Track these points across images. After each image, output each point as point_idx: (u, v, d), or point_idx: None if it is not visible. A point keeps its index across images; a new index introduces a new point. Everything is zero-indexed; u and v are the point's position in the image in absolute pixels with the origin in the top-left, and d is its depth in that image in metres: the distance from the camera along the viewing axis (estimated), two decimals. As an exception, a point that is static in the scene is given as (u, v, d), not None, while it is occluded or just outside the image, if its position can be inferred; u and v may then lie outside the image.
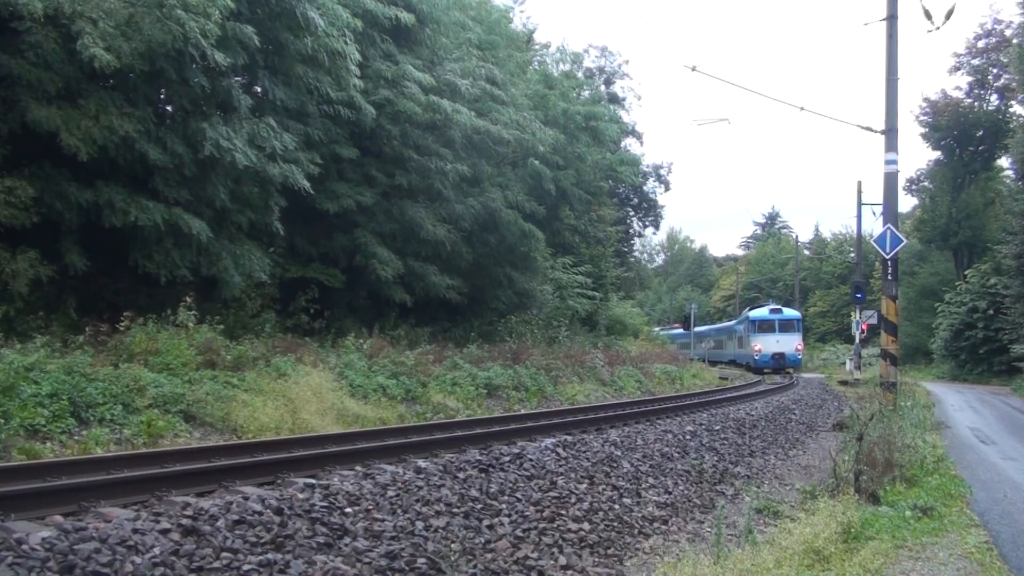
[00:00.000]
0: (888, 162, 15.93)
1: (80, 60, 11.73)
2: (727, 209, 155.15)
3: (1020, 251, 32.86)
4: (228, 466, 6.73)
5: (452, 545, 5.30)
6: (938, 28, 16.83)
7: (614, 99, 48.70)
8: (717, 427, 11.54)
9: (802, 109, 20.82)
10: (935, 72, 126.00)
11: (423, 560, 5.03)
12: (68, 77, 12.47)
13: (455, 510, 5.80)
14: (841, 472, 8.59)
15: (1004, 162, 48.21)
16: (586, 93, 36.53)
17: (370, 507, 5.45)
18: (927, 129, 50.34)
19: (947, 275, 51.18)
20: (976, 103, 49.72)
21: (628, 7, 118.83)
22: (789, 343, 41.61)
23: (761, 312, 44.03)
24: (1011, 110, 47.91)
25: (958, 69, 49.17)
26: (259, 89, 16.48)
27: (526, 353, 20.96)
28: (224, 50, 13.64)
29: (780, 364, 40.38)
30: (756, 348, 41.38)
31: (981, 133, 48.87)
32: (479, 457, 7.01)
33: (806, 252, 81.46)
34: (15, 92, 12.07)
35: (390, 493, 5.74)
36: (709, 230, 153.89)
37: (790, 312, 44.05)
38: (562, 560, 5.71)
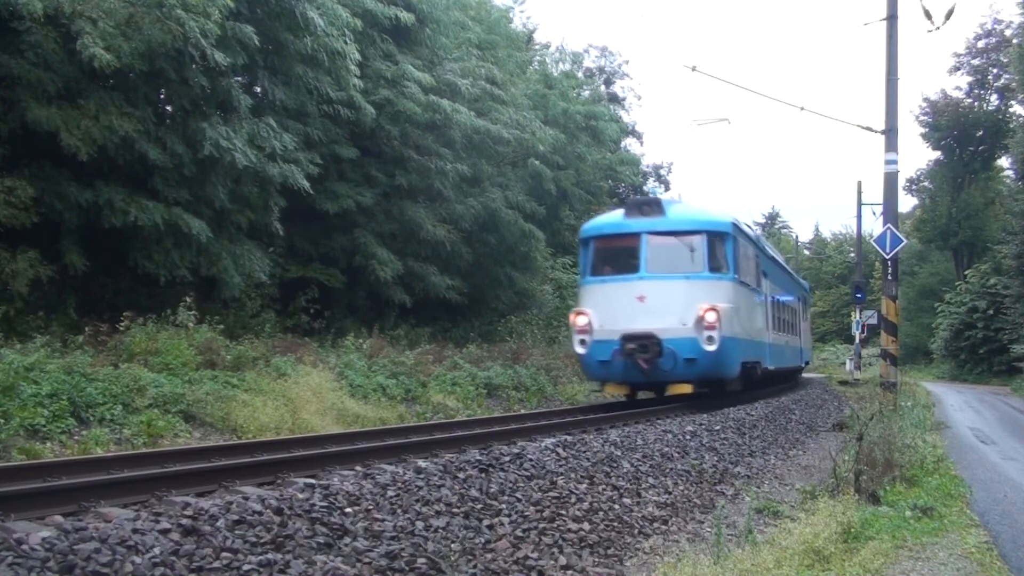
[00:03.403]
0: (888, 162, 15.93)
1: (80, 60, 11.73)
2: (727, 209, 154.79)
3: (1020, 251, 32.87)
4: (228, 466, 6.72)
5: (452, 545, 5.30)
6: (938, 28, 16.88)
7: (614, 99, 48.65)
8: (717, 427, 11.54)
9: (802, 109, 20.82)
10: (935, 72, 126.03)
11: (423, 560, 5.03)
12: (68, 77, 12.47)
13: (455, 510, 5.80)
14: (841, 472, 8.59)
15: (1004, 162, 48.29)
16: (586, 93, 36.53)
17: (370, 507, 5.45)
18: (927, 129, 50.37)
19: (947, 275, 51.24)
20: (976, 103, 49.75)
21: (628, 7, 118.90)
22: (678, 305, 13.33)
23: (607, 219, 15.37)
24: (1011, 110, 47.99)
25: (958, 69, 49.23)
26: (259, 89, 16.49)
27: (526, 353, 20.95)
28: (224, 50, 13.64)
29: (648, 373, 13.29)
30: (579, 323, 14.01)
31: (981, 133, 48.90)
32: (479, 457, 7.01)
33: (806, 252, 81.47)
34: (15, 92, 12.08)
35: (390, 493, 5.74)
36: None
37: (683, 212, 14.51)
38: (562, 560, 5.71)
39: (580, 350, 14.00)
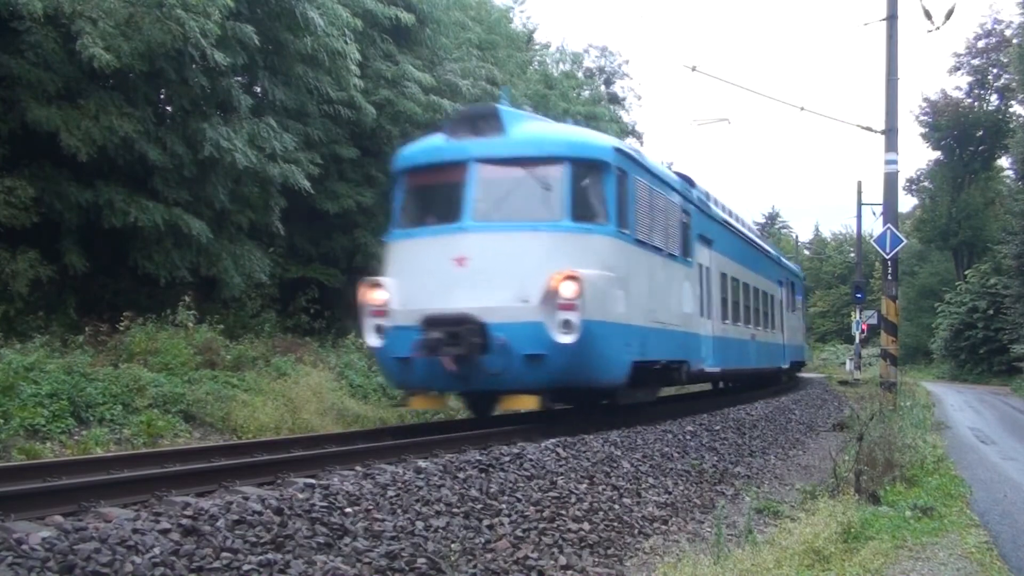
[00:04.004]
0: (888, 162, 15.94)
1: (80, 60, 11.73)
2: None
3: (1020, 251, 32.89)
4: (228, 466, 6.73)
5: (452, 545, 5.30)
6: (938, 28, 16.92)
7: (614, 99, 48.62)
8: (717, 427, 11.54)
9: (802, 109, 20.86)
10: (935, 72, 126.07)
11: (423, 560, 5.03)
12: (68, 77, 12.48)
13: (455, 510, 5.80)
14: (841, 472, 8.60)
15: (1004, 162, 48.36)
16: (586, 93, 36.54)
17: (370, 507, 5.45)
18: (927, 129, 50.45)
19: (947, 275, 51.29)
20: (976, 103, 49.83)
21: (628, 7, 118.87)
22: (517, 272, 8.80)
23: (427, 143, 10.33)
24: (1011, 110, 48.09)
25: (958, 69, 49.34)
26: (259, 89, 16.49)
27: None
28: (224, 50, 13.64)
29: (462, 377, 8.83)
30: (373, 300, 9.35)
31: (981, 133, 48.97)
32: (479, 457, 7.01)
33: (806, 252, 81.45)
34: (15, 92, 12.09)
35: (390, 493, 5.74)
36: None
37: (535, 132, 9.86)
38: (562, 560, 5.71)
39: (374, 342, 9.39)
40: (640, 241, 10.37)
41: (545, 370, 8.74)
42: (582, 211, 9.37)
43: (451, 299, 8.80)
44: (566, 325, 8.63)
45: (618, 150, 10.10)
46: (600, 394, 10.67)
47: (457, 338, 8.63)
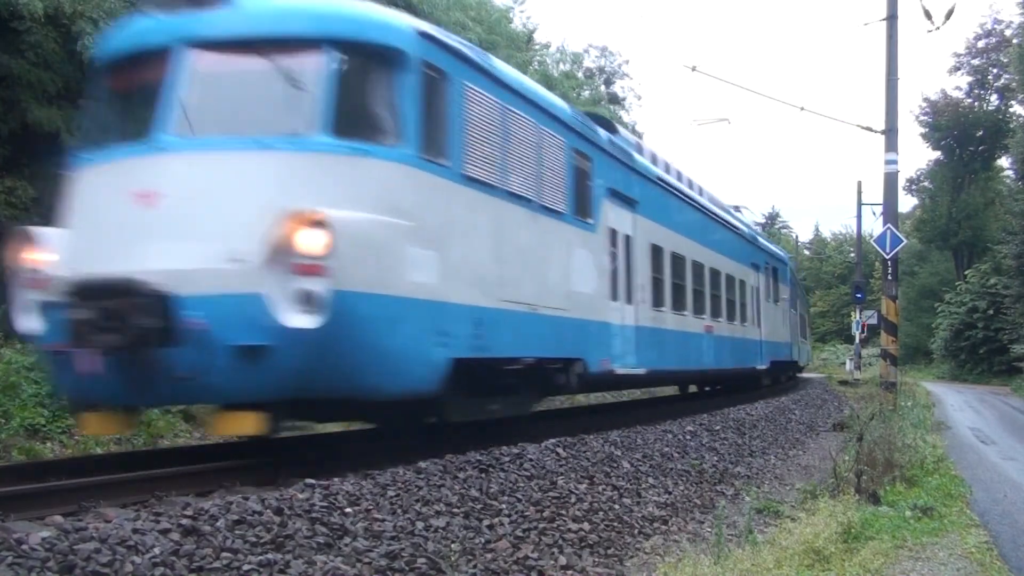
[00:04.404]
0: (888, 162, 15.96)
1: (80, 60, 11.74)
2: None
3: (1020, 251, 32.92)
4: (228, 466, 6.73)
5: (452, 545, 5.30)
6: (938, 28, 16.94)
7: (614, 99, 48.62)
8: (717, 427, 11.54)
9: (802, 109, 20.88)
10: (935, 72, 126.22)
11: (423, 560, 5.03)
12: (68, 77, 12.49)
13: (455, 510, 5.80)
14: (841, 472, 8.60)
15: (1004, 162, 48.46)
16: (586, 93, 36.55)
17: (370, 507, 5.45)
18: (927, 129, 50.54)
19: (947, 275, 51.38)
20: (976, 103, 49.91)
21: (628, 7, 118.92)
22: (231, 214, 5.65)
23: (131, 25, 6.65)
24: (1011, 110, 48.20)
25: (958, 69, 49.48)
26: (259, 89, 16.48)
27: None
28: (224, 50, 13.66)
29: (121, 383, 5.61)
30: (25, 263, 6.06)
31: (981, 133, 49.06)
32: (479, 457, 7.01)
33: (806, 252, 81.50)
34: (15, 92, 12.09)
35: (390, 493, 5.74)
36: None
37: (277, 4, 6.60)
38: (562, 560, 5.70)
39: (28, 326, 6.24)
40: (475, 180, 7.31)
41: (270, 371, 5.68)
42: (352, 123, 6.26)
43: (125, 257, 5.72)
44: (305, 299, 5.62)
45: (427, 36, 6.83)
46: (415, 408, 7.38)
47: (115, 318, 5.54)
